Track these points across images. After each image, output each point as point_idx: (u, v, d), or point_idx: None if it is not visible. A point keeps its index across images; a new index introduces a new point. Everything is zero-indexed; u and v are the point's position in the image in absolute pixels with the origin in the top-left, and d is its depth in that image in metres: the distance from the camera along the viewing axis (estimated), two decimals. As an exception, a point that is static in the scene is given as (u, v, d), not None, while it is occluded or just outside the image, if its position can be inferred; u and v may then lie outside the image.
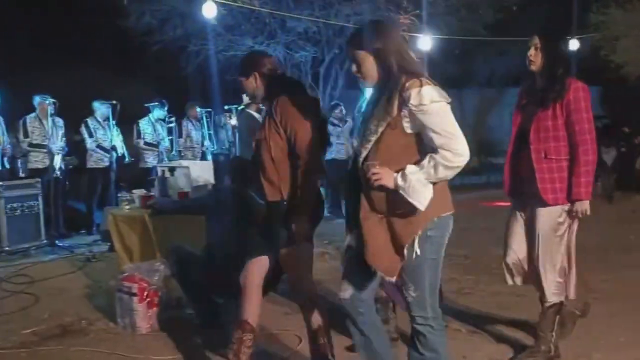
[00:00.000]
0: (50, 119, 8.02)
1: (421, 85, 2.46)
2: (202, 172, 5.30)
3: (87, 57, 13.56)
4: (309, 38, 12.12)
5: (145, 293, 4.23)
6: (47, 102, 8.02)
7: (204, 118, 10.21)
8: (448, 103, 2.50)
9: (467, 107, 17.01)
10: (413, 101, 2.45)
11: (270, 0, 10.46)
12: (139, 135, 9.05)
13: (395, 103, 2.48)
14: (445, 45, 11.44)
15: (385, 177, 2.47)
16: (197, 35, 11.97)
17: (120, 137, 8.93)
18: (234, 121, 10.24)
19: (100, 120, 8.73)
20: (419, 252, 2.53)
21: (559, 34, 3.70)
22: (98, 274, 5.96)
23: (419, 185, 2.44)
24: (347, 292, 2.73)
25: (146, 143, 9.07)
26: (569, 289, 3.54)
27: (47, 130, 8.05)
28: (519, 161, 3.50)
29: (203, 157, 9.88)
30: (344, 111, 10.06)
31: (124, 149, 9.07)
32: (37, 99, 8.17)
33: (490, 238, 6.24)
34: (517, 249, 3.61)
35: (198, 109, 10.07)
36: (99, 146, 8.64)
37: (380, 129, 2.50)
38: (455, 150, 2.45)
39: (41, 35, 13.72)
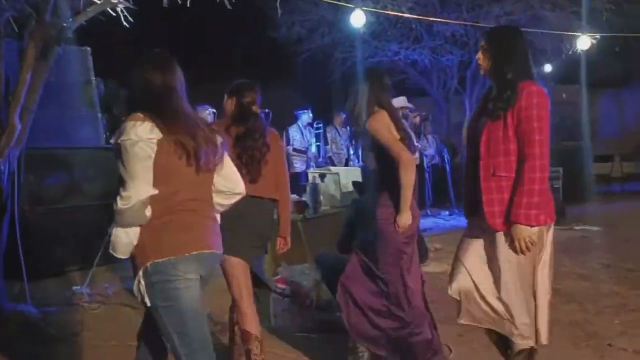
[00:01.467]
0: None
1: (125, 120, 2.33)
2: (351, 178, 5.37)
3: (241, 68, 14.35)
4: (456, 41, 11.89)
5: (298, 295, 4.38)
6: (207, 111, 8.54)
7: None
8: (151, 143, 2.28)
9: (627, 108, 15.83)
10: (115, 136, 2.37)
11: (416, 5, 10.39)
12: (288, 142, 9.40)
13: None
14: (607, 43, 10.71)
15: None
16: (343, 42, 12.20)
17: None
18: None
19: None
20: (146, 300, 2.38)
21: (509, 32, 3.11)
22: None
23: (114, 229, 2.36)
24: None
25: (295, 149, 9.40)
26: (539, 333, 2.97)
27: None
28: (472, 180, 3.03)
29: (347, 164, 10.08)
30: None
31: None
32: (198, 109, 8.75)
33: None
34: (465, 278, 3.08)
35: (343, 116, 10.27)
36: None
37: None
38: (121, 193, 2.30)
39: (199, 49, 14.71)
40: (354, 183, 5.10)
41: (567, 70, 12.64)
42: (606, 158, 13.80)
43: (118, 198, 2.29)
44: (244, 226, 3.40)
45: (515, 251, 2.87)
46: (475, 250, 3.08)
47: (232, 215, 2.88)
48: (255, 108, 3.53)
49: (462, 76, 12.99)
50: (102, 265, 5.78)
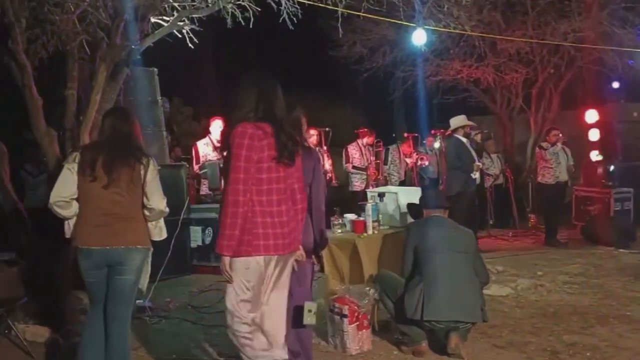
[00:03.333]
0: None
1: None
2: (410, 198, 5.31)
3: (301, 87, 14.55)
4: (521, 59, 11.67)
5: (356, 315, 4.34)
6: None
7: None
8: (71, 167, 3.39)
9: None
10: None
11: (480, 23, 10.27)
12: (347, 160, 9.46)
13: None
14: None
15: None
16: (405, 61, 12.19)
17: (329, 161, 9.35)
18: (437, 144, 10.26)
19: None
20: None
21: (249, 77, 3.22)
22: (310, 292, 6.24)
23: None
24: None
25: (354, 167, 9.43)
26: None
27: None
28: None
29: (403, 183, 10.14)
30: (559, 134, 9.48)
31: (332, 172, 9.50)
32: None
33: None
34: None
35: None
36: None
37: None
38: None
39: (260, 68, 14.95)
40: (409, 205, 5.05)
41: (638, 88, 12.20)
42: (681, 179, 13.15)
43: None
44: None
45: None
46: None
47: None
48: None
49: (527, 94, 12.71)
50: (165, 279, 5.92)
